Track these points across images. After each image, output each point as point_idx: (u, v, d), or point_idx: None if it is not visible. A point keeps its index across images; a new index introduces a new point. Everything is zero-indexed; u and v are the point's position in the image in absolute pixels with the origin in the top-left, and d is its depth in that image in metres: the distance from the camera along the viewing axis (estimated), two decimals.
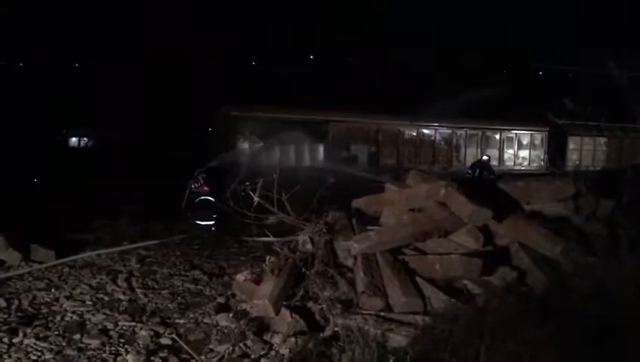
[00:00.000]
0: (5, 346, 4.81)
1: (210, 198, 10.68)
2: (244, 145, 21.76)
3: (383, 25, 40.62)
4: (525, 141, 31.06)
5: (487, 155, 20.74)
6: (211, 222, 10.60)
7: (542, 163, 30.77)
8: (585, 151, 31.03)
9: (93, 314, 5.72)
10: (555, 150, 30.06)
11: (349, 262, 6.11)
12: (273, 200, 6.75)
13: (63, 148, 31.76)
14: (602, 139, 30.96)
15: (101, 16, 32.44)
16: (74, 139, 35.32)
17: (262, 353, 4.79)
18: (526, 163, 31.00)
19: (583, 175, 6.96)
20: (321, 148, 24.61)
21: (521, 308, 4.56)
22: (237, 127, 22.47)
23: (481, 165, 16.62)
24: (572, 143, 31.03)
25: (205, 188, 10.85)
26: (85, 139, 35.00)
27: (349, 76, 35.08)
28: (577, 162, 28.82)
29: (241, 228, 8.92)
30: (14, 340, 4.93)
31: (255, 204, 6.94)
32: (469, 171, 16.26)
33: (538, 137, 31.24)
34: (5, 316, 5.58)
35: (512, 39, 41.18)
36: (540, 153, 31.23)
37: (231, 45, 35.87)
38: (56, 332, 5.17)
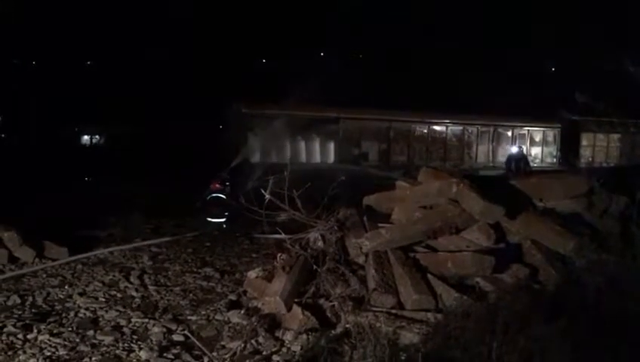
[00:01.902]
0: (20, 342, 4.86)
1: (221, 195, 10.71)
2: (255, 143, 21.77)
3: (392, 21, 40.54)
4: (538, 138, 30.89)
5: (519, 146, 20.65)
6: (223, 220, 10.63)
7: (554, 160, 30.57)
8: (598, 147, 30.79)
9: (106, 311, 5.77)
10: (568, 147, 29.83)
11: (361, 260, 6.10)
12: (284, 198, 6.76)
13: (74, 146, 32.01)
14: (615, 136, 30.65)
15: (112, 13, 32.61)
16: (86, 137, 35.58)
17: (273, 350, 4.81)
18: (538, 160, 30.78)
19: (596, 171, 6.91)
20: (332, 146, 24.60)
21: (533, 305, 4.54)
22: (248, 124, 22.49)
23: (518, 158, 16.54)
24: (585, 140, 30.81)
25: (217, 185, 10.88)
26: (97, 136, 35.25)
27: (359, 73, 35.01)
28: (590, 159, 28.60)
29: (252, 225, 8.97)
30: (29, 336, 4.98)
31: (266, 201, 6.95)
32: (505, 166, 16.21)
33: (550, 134, 31.04)
34: (20, 312, 5.64)
35: (522, 35, 40.80)
36: (553, 150, 31.04)
37: (241, 42, 35.92)
38: (70, 329, 5.22)
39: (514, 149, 20.49)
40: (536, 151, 30.97)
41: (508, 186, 6.95)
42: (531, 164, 20.90)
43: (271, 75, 33.97)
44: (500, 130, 29.69)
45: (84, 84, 31.78)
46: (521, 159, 17.72)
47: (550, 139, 31.09)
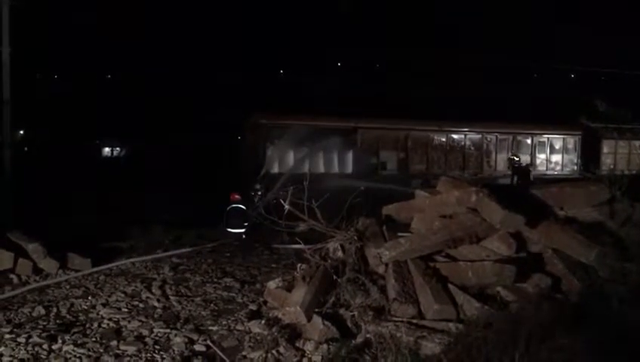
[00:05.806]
0: (45, 352, 4.94)
1: (241, 206, 10.79)
2: (274, 153, 21.84)
3: (409, 30, 40.57)
4: (558, 145, 30.49)
5: (513, 156, 20.35)
6: (242, 230, 10.69)
7: (575, 167, 30.17)
8: (619, 154, 30.30)
9: (128, 321, 5.84)
10: (589, 154, 29.45)
11: (380, 269, 6.10)
12: (304, 208, 6.79)
13: (96, 158, 32.46)
14: (637, 143, 30.14)
15: (131, 28, 33.06)
16: (107, 149, 36.08)
17: (294, 360, 4.83)
18: (559, 168, 30.42)
19: (617, 179, 6.82)
20: (350, 155, 24.59)
21: (555, 315, 4.50)
22: (267, 135, 22.59)
23: (519, 170, 16.27)
24: (606, 147, 30.33)
25: (236, 196, 10.96)
26: (118, 148, 35.72)
27: (377, 82, 35.07)
28: (612, 166, 28.11)
29: (272, 235, 9.01)
30: (54, 346, 5.07)
31: (286, 211, 6.99)
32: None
33: (571, 141, 30.63)
34: (44, 323, 5.73)
35: (542, 41, 40.58)
36: (573, 157, 30.61)
37: (259, 54, 36.21)
38: (94, 339, 5.29)
39: (516, 159, 19.65)
40: (556, 158, 30.60)
41: (528, 195, 6.90)
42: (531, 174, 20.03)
43: (289, 86, 34.19)
44: (519, 137, 29.41)
45: (105, 97, 32.25)
46: (519, 172, 17.24)
47: (571, 146, 30.68)
